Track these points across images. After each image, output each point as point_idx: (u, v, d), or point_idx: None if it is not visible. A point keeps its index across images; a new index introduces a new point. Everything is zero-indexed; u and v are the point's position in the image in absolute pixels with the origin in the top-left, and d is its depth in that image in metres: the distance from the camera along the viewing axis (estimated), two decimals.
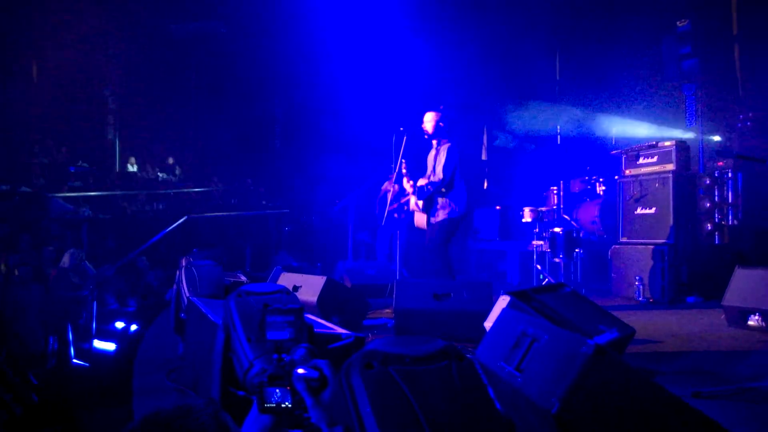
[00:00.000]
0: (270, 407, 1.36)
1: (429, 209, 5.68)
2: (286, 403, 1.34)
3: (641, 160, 7.03)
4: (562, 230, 7.32)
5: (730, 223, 7.64)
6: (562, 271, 7.51)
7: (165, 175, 14.74)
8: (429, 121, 5.75)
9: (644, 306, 6.28)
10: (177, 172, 15.34)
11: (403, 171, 5.95)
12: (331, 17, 11.66)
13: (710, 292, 6.33)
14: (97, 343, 5.46)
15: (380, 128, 8.32)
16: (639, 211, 6.95)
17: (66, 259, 7.51)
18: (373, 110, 10.68)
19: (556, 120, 10.52)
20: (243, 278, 6.59)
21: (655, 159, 6.91)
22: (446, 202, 5.57)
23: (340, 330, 3.34)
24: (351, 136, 10.71)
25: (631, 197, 7.05)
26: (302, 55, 12.28)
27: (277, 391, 1.35)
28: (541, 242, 7.62)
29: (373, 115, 10.61)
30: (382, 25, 10.89)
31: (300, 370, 1.36)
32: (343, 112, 11.01)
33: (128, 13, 14.17)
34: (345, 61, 11.03)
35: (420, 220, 5.83)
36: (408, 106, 10.60)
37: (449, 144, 5.65)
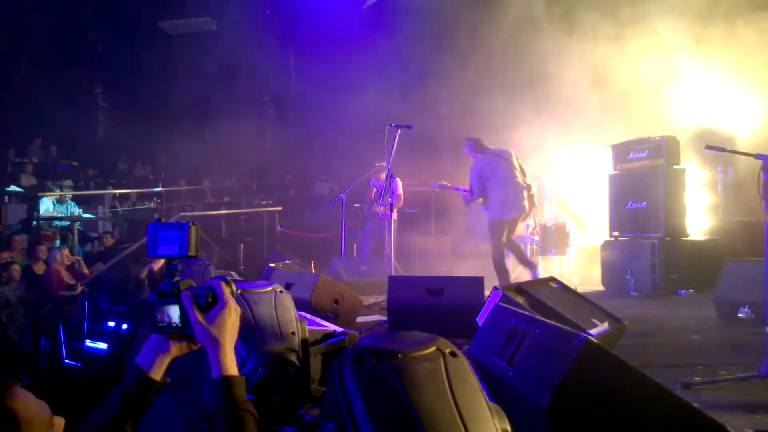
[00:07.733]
0: (161, 326, 1.36)
1: None
2: (176, 323, 1.35)
3: (632, 155, 7.04)
4: (553, 225, 7.35)
5: (720, 216, 7.70)
6: (555, 266, 7.54)
7: (156, 173, 14.66)
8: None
9: (635, 299, 6.31)
10: (169, 169, 15.25)
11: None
12: (323, 14, 11.63)
13: (701, 285, 6.37)
14: (89, 343, 5.42)
15: (373, 124, 8.30)
16: (630, 205, 6.96)
17: (57, 258, 7.46)
18: (366, 106, 10.66)
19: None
20: (236, 276, 6.59)
21: (645, 153, 6.93)
22: None
23: (333, 327, 3.35)
24: (343, 132, 10.68)
25: (622, 191, 7.07)
26: (294, 52, 12.25)
27: (168, 311, 1.35)
28: (534, 237, 7.65)
29: (366, 111, 10.58)
30: (375, 23, 10.87)
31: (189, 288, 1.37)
32: (336, 109, 10.98)
33: (117, 9, 14.08)
34: (338, 57, 11.00)
35: None
36: (402, 102, 10.61)
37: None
